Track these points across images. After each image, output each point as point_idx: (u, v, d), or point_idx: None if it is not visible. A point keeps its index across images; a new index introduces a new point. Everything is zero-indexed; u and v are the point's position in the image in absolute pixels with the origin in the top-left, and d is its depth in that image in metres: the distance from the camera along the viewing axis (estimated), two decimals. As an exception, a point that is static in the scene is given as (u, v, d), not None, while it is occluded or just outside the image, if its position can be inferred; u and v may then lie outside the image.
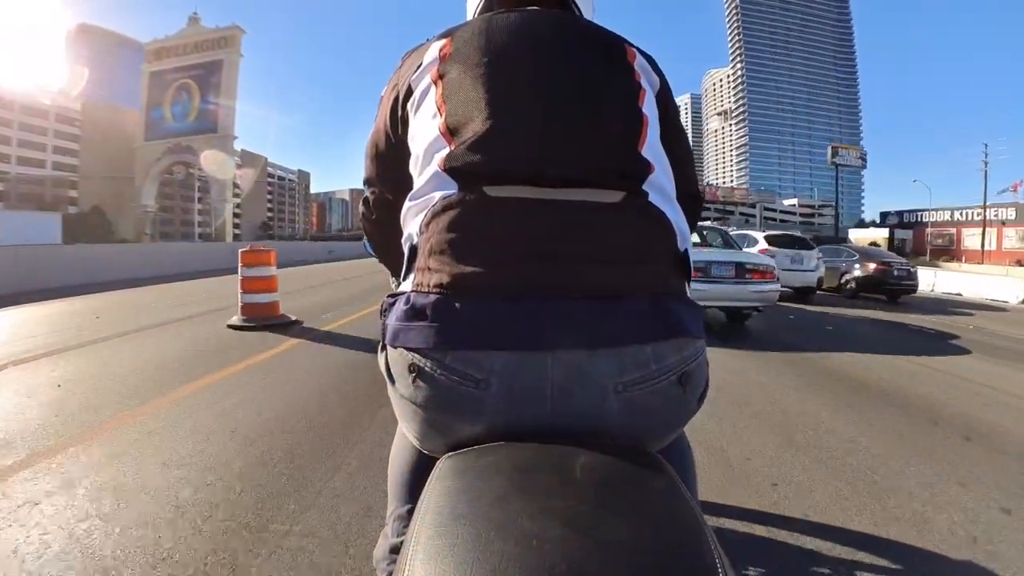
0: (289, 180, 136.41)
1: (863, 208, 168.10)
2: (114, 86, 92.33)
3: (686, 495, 0.51)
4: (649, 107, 0.76)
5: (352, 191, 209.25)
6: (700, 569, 0.40)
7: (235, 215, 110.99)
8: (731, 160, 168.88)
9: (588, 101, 0.71)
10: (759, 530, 1.89)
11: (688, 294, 0.73)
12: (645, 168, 0.70)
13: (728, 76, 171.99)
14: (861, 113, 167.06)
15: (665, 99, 0.81)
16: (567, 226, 0.64)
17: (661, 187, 0.72)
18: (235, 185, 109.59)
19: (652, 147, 0.73)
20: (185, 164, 79.97)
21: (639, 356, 0.61)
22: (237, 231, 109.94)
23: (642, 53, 0.81)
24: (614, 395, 0.61)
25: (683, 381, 0.65)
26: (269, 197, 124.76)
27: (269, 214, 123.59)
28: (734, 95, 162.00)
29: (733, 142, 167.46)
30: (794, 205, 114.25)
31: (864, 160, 57.61)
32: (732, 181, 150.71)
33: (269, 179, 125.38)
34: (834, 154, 54.58)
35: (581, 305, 0.61)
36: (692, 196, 0.86)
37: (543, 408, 0.60)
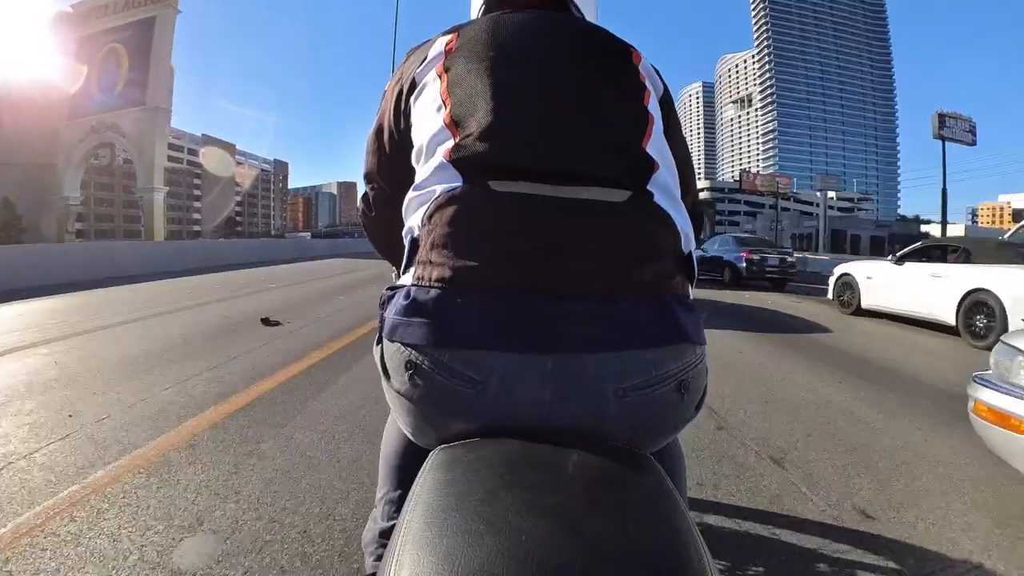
0: (263, 171, 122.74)
1: (899, 202, 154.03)
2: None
3: (675, 495, 0.51)
4: (654, 108, 0.75)
5: (340, 184, 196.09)
6: (686, 569, 0.41)
7: (195, 209, 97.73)
8: (755, 148, 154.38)
9: (593, 97, 0.71)
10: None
11: (691, 297, 0.72)
12: (650, 165, 0.69)
13: (749, 60, 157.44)
14: (896, 97, 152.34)
15: (668, 106, 0.80)
16: (571, 225, 0.63)
17: (665, 187, 0.70)
18: (195, 175, 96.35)
19: (657, 145, 0.72)
20: (111, 146, 65.91)
21: (640, 361, 0.61)
22: (197, 227, 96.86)
23: (646, 60, 0.81)
24: (614, 400, 0.60)
25: (682, 388, 0.64)
26: (238, 189, 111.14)
27: (238, 208, 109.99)
28: (759, 78, 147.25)
29: (757, 128, 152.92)
30: (832, 198, 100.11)
31: (974, 134, 43.64)
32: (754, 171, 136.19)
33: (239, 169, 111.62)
34: (941, 124, 40.71)
35: (583, 306, 0.60)
36: (694, 206, 0.87)
37: (541, 411, 0.60)
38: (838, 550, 1.75)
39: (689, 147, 0.87)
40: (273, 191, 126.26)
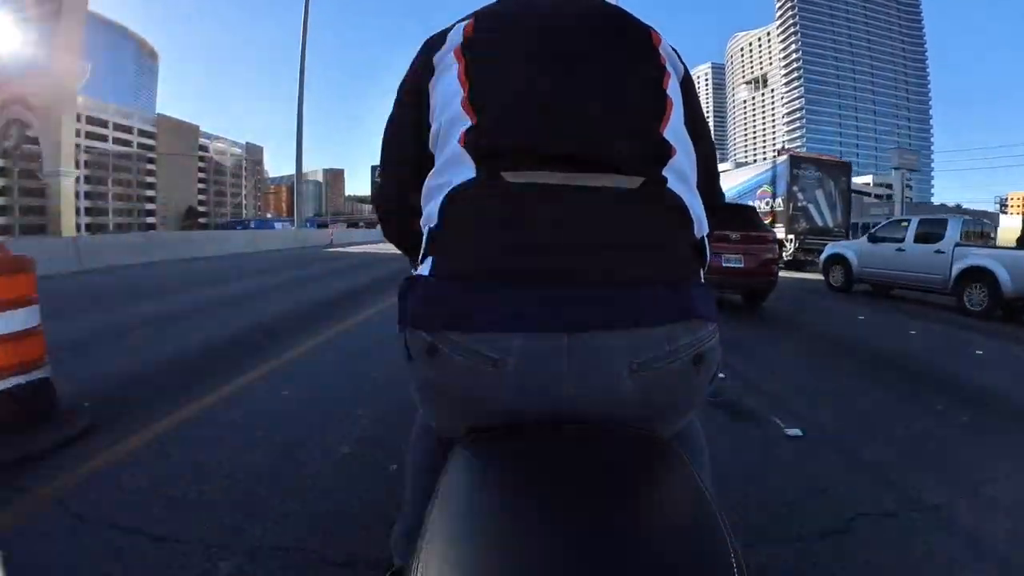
0: (233, 155, 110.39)
1: (932, 189, 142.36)
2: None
3: (700, 485, 0.50)
4: (673, 91, 0.75)
5: (326, 172, 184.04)
6: (714, 562, 0.41)
7: (148, 198, 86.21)
8: (770, 131, 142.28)
9: (611, 81, 0.71)
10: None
11: (703, 279, 0.73)
12: (666, 150, 0.69)
13: (764, 37, 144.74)
14: (929, 76, 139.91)
15: (688, 88, 0.80)
16: (585, 214, 0.65)
17: (681, 172, 0.71)
18: (148, 160, 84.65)
19: (675, 130, 0.72)
20: (20, 123, 54.20)
21: (654, 337, 0.62)
22: (150, 219, 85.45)
23: (667, 42, 0.80)
24: (629, 375, 0.61)
25: (696, 362, 0.65)
26: (202, 175, 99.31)
27: (201, 196, 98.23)
28: (782, 53, 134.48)
29: (774, 109, 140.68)
30: (868, 184, 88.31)
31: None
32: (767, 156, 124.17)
33: (204, 152, 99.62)
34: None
35: (597, 290, 0.62)
36: (716, 195, 0.86)
37: (559, 388, 0.61)
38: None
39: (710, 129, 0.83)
40: (245, 177, 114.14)
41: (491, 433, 0.60)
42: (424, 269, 0.68)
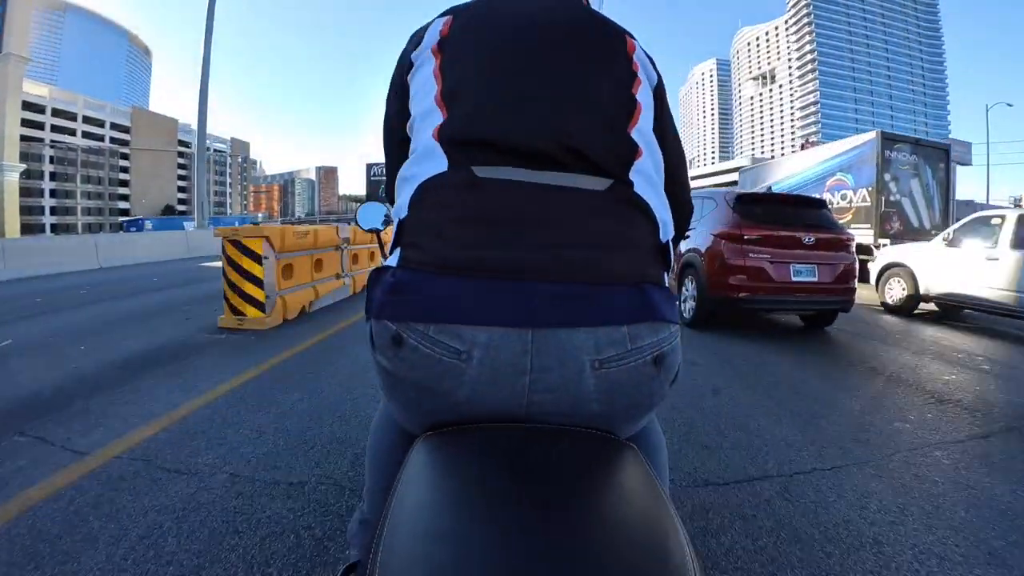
0: (217, 151, 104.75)
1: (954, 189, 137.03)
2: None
3: (657, 486, 0.51)
4: (644, 96, 0.77)
5: (319, 169, 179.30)
6: (669, 560, 0.41)
7: (120, 196, 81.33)
8: (779, 127, 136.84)
9: (582, 82, 0.73)
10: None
11: (667, 283, 0.74)
12: (632, 150, 0.71)
13: (772, 31, 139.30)
14: (945, 65, 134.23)
15: (660, 97, 0.82)
16: (553, 212, 0.66)
17: (647, 174, 0.73)
18: (122, 155, 79.74)
19: (643, 132, 0.74)
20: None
21: (615, 335, 0.63)
22: (124, 218, 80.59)
23: (642, 49, 0.82)
24: (591, 371, 0.62)
25: (657, 362, 0.67)
26: (182, 172, 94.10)
27: (181, 195, 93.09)
28: (796, 44, 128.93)
29: (782, 103, 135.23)
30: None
31: None
32: (779, 152, 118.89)
33: (184, 148, 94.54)
34: None
35: (562, 287, 0.63)
36: (683, 201, 0.89)
37: (522, 382, 0.61)
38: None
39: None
40: (230, 175, 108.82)
41: (453, 428, 0.61)
42: (392, 260, 0.69)
